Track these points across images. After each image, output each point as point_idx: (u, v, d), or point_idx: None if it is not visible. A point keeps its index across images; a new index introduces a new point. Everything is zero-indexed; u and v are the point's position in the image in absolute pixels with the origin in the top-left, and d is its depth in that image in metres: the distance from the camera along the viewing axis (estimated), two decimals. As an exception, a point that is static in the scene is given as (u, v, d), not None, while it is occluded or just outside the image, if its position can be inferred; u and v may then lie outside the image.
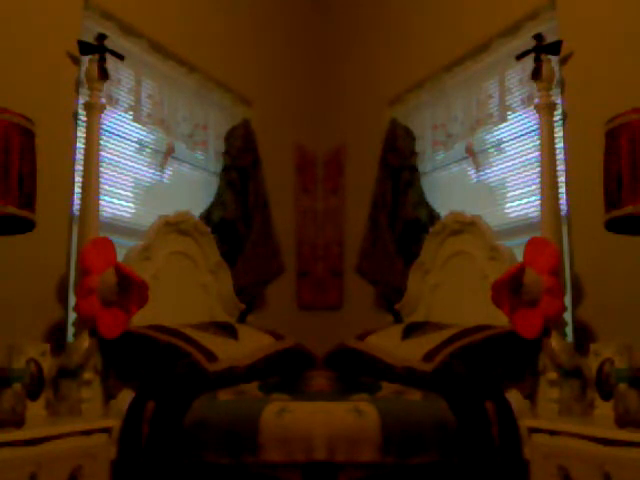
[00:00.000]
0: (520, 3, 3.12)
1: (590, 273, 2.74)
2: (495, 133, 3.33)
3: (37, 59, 2.77)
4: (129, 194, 3.25)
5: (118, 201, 3.16)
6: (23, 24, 2.74)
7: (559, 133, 2.87)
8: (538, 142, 2.79)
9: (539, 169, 2.75)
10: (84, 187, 2.70)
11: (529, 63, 2.87)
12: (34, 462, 1.99)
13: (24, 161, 2.20)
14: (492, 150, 3.35)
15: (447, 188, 3.58)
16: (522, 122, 3.16)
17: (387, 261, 3.52)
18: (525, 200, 3.11)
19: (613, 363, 2.27)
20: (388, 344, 2.83)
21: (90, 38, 2.85)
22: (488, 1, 3.41)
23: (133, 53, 3.17)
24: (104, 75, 2.80)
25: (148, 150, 3.37)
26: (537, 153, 2.81)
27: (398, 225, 3.55)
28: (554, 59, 2.83)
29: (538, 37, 2.85)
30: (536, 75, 2.80)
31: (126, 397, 2.39)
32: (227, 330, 2.93)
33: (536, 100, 2.82)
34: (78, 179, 2.77)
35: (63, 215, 2.82)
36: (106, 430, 2.27)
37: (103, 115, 2.81)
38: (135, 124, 3.25)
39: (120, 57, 2.95)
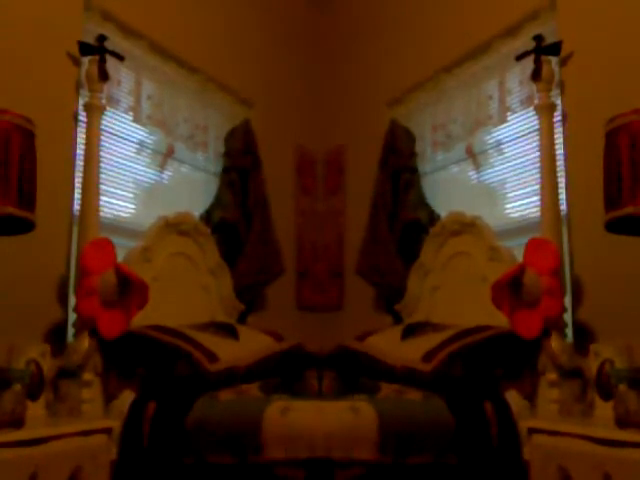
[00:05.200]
0: (520, 4, 3.12)
1: (590, 274, 2.74)
2: (495, 134, 3.33)
3: (38, 60, 2.77)
4: (129, 195, 3.25)
5: (118, 202, 3.16)
6: (24, 25, 2.75)
7: (559, 134, 2.87)
8: (538, 143, 2.80)
9: (539, 170, 2.75)
10: (84, 188, 2.71)
11: (529, 64, 2.87)
12: (34, 463, 1.98)
13: (24, 162, 2.20)
14: (492, 151, 3.36)
15: (447, 189, 3.58)
16: (522, 123, 3.16)
17: (387, 262, 3.52)
18: (525, 201, 3.11)
19: (613, 364, 2.27)
20: (388, 345, 2.83)
21: (90, 39, 2.86)
22: (488, 2, 3.41)
23: (133, 54, 3.17)
24: (104, 76, 2.81)
25: (148, 151, 3.37)
26: (537, 154, 2.81)
27: (398, 226, 3.55)
28: (554, 60, 2.84)
29: (538, 38, 2.86)
30: (536, 76, 2.80)
31: (127, 397, 2.39)
32: (227, 331, 2.93)
33: (536, 101, 2.82)
34: (78, 180, 2.78)
35: (63, 216, 2.82)
36: (106, 431, 2.27)
37: (103, 116, 2.82)
38: (135, 125, 3.25)
39: (120, 58, 2.96)
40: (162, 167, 3.44)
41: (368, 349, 2.86)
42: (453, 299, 3.14)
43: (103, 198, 2.87)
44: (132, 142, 3.28)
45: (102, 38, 2.86)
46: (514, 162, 3.21)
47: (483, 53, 3.31)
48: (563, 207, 2.77)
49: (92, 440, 2.22)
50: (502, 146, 3.30)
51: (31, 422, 2.13)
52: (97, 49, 2.82)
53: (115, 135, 3.16)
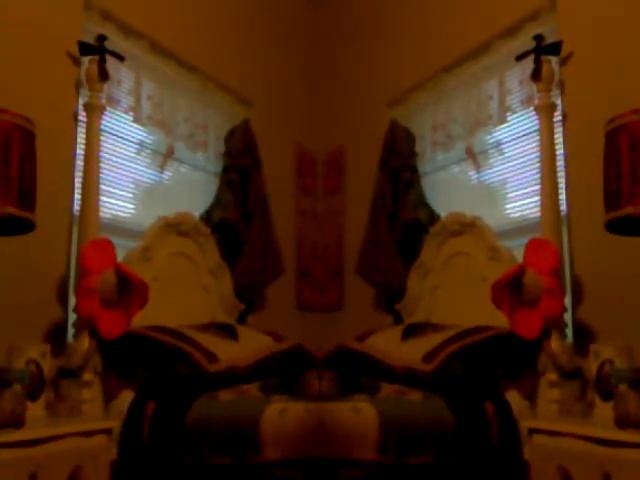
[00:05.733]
0: (520, 4, 3.12)
1: (590, 274, 2.74)
2: (495, 134, 3.33)
3: (37, 60, 2.77)
4: (129, 195, 3.25)
5: (117, 202, 3.16)
6: (24, 25, 2.74)
7: (559, 134, 2.87)
8: (538, 143, 2.80)
9: (539, 170, 2.75)
10: (84, 188, 2.71)
11: (529, 64, 2.87)
12: (34, 463, 1.99)
13: (24, 162, 2.20)
14: (492, 151, 3.35)
15: (447, 189, 3.58)
16: (522, 123, 3.16)
17: (387, 262, 3.52)
18: (525, 201, 3.11)
19: (613, 364, 2.27)
20: (388, 345, 2.83)
21: (90, 39, 2.86)
22: (488, 2, 3.42)
23: (133, 54, 3.17)
24: (104, 76, 2.81)
25: (148, 151, 3.37)
26: (537, 154, 2.81)
27: (398, 226, 3.55)
28: (554, 60, 2.84)
29: (538, 38, 2.86)
30: (536, 76, 2.80)
31: (127, 398, 2.39)
32: (227, 331, 2.93)
33: (536, 101, 2.82)
34: (78, 180, 2.78)
35: (63, 216, 2.82)
36: (106, 431, 2.27)
37: (103, 116, 2.82)
38: (135, 125, 3.25)
39: (120, 58, 2.95)
40: (162, 167, 3.44)
41: (368, 349, 2.86)
42: (453, 299, 3.14)
43: (103, 198, 2.87)
44: (132, 142, 3.28)
45: (102, 38, 2.86)
46: (514, 162, 3.21)
47: (483, 53, 3.31)
48: (563, 207, 2.77)
49: (92, 440, 2.22)
50: (502, 146, 3.30)
51: (31, 422, 2.13)
52: (97, 49, 2.82)
53: (115, 135, 3.16)
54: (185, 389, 2.33)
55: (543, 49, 2.82)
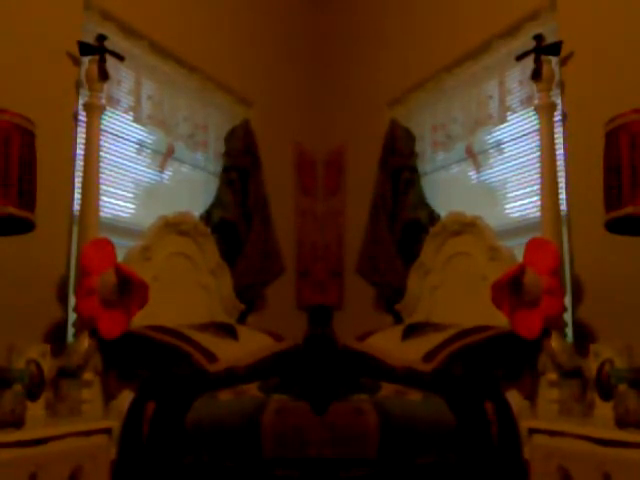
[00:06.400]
0: (520, 4, 3.12)
1: (590, 273, 2.74)
2: (495, 134, 3.33)
3: (37, 60, 2.77)
4: (129, 195, 3.25)
5: (118, 202, 3.16)
6: (23, 25, 2.75)
7: (559, 134, 2.87)
8: (538, 143, 2.80)
9: (539, 170, 2.75)
10: (84, 188, 2.71)
11: (529, 64, 2.87)
12: (34, 463, 1.99)
13: (24, 162, 2.20)
14: (492, 151, 3.35)
15: (447, 189, 3.58)
16: (522, 123, 3.16)
17: (387, 262, 3.52)
18: (525, 201, 3.11)
19: (613, 363, 2.27)
20: (388, 345, 2.83)
21: (90, 39, 2.86)
22: (488, 2, 3.41)
23: (133, 54, 3.17)
24: (104, 76, 2.81)
25: (148, 151, 3.37)
26: (537, 154, 2.81)
27: (398, 226, 3.55)
28: (554, 60, 2.84)
29: (538, 38, 2.86)
30: (536, 76, 2.81)
31: (126, 397, 2.39)
32: (227, 331, 2.93)
33: (536, 101, 2.82)
34: (78, 180, 2.78)
35: (63, 215, 2.82)
36: (106, 431, 2.27)
37: (103, 116, 2.82)
38: (135, 125, 3.25)
39: (120, 58, 2.96)
40: (162, 167, 3.44)
41: (369, 349, 2.86)
42: (453, 299, 3.14)
43: (103, 198, 2.87)
44: (132, 142, 3.28)
45: (102, 38, 2.86)
46: (514, 162, 3.21)
47: (483, 53, 3.31)
48: (563, 207, 2.77)
49: (92, 440, 2.22)
50: (502, 146, 3.30)
51: (31, 422, 2.13)
52: (97, 49, 2.82)
53: (115, 135, 3.16)
54: (185, 389, 2.33)
55: (543, 49, 2.82)
